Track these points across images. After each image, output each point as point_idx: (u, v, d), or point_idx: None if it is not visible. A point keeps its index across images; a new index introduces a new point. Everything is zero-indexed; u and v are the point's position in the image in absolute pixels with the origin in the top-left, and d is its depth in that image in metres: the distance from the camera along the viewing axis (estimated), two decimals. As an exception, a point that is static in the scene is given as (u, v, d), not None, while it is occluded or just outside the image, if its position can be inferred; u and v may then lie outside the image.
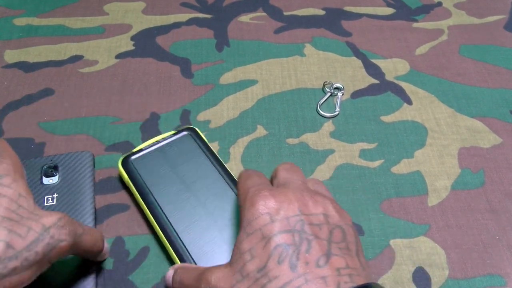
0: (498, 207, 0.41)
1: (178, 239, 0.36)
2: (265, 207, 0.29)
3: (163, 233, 0.37)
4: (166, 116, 0.47)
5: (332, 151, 0.45)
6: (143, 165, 0.41)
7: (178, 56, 0.52)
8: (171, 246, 0.36)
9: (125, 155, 0.41)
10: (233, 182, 0.39)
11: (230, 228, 0.37)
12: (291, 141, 0.45)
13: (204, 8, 0.58)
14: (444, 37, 0.55)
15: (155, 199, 0.38)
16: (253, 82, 0.50)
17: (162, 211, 0.38)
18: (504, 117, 0.48)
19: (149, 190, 0.39)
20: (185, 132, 0.43)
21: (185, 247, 0.36)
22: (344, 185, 0.42)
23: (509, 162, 0.44)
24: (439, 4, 0.59)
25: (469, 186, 0.43)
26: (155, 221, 0.37)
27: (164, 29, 0.55)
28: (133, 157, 0.41)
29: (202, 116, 0.47)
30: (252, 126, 0.46)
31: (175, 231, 0.37)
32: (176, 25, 0.56)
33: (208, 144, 0.42)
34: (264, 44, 0.54)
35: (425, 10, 0.59)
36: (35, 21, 0.56)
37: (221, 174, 0.40)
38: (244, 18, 0.57)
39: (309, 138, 0.46)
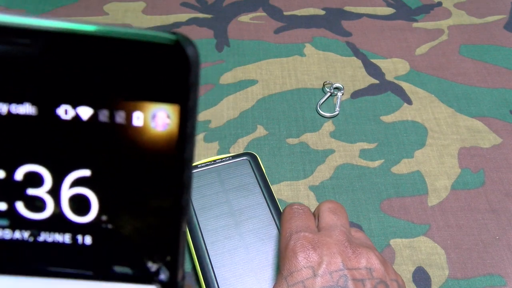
0: (498, 207, 0.41)
1: (212, 273, 0.35)
2: (307, 260, 0.29)
3: (198, 262, 0.35)
4: (166, 116, 0.47)
5: (332, 151, 0.45)
6: (194, 183, 0.39)
7: (178, 56, 0.52)
8: (203, 277, 0.35)
9: None
10: (280, 220, 0.37)
11: (266, 271, 0.35)
12: (291, 141, 0.45)
13: (204, 8, 0.58)
14: (444, 37, 0.55)
15: (198, 222, 0.37)
16: (253, 82, 0.50)
17: (203, 238, 0.36)
18: (504, 117, 0.48)
19: (195, 212, 0.37)
20: (244, 157, 0.41)
21: (216, 282, 0.34)
22: (344, 185, 0.42)
23: (509, 162, 0.44)
24: (439, 4, 0.59)
25: (469, 186, 0.43)
26: (194, 248, 0.36)
27: (164, 29, 0.55)
28: None
29: (202, 116, 0.47)
30: (252, 126, 0.46)
31: (211, 264, 0.35)
32: (176, 25, 0.56)
33: (265, 174, 0.40)
34: (264, 44, 0.54)
35: (425, 10, 0.59)
36: (35, 21, 0.56)
37: (270, 210, 0.38)
38: (244, 18, 0.57)
39: (309, 138, 0.46)
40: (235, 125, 0.46)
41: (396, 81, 0.51)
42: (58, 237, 0.13)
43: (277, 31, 0.55)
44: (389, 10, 0.58)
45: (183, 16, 0.57)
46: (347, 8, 0.58)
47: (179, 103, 0.12)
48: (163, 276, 0.14)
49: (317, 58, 0.53)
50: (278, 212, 0.38)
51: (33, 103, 0.12)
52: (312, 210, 0.40)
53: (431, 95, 0.50)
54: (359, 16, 0.57)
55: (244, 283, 0.34)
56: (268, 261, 0.35)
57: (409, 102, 0.49)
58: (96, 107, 0.13)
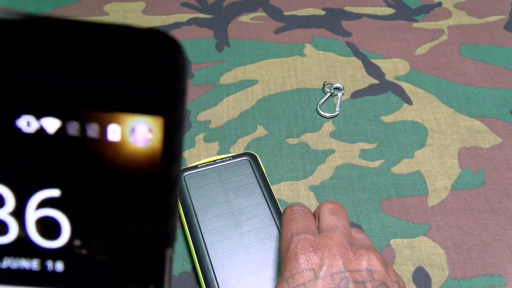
0: (498, 207, 0.41)
1: (212, 273, 0.35)
2: (308, 262, 0.29)
3: (198, 262, 0.35)
4: (166, 116, 0.47)
5: (332, 151, 0.45)
6: (194, 183, 0.39)
7: (178, 56, 0.52)
8: (203, 277, 0.35)
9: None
10: (280, 220, 0.37)
11: (266, 271, 0.35)
12: (291, 141, 0.45)
13: (204, 8, 0.58)
14: (444, 37, 0.55)
15: (199, 224, 0.37)
16: (253, 82, 0.50)
17: (203, 238, 0.36)
18: (504, 117, 0.48)
19: (195, 213, 0.37)
20: (244, 158, 0.41)
21: (217, 282, 0.34)
22: (344, 185, 0.42)
23: (509, 162, 0.44)
24: (439, 4, 0.59)
25: (469, 186, 0.43)
26: (194, 248, 0.36)
27: (164, 29, 0.55)
28: (187, 173, 0.40)
29: (202, 116, 0.47)
30: (252, 126, 0.46)
31: (211, 264, 0.35)
32: (176, 25, 0.56)
33: (265, 174, 0.40)
34: (264, 44, 0.54)
35: (425, 10, 0.59)
36: (35, 21, 0.56)
37: (270, 210, 0.38)
38: (244, 18, 0.57)
39: (309, 138, 0.46)
40: (235, 125, 0.46)
41: (396, 81, 0.51)
42: (24, 263, 0.12)
43: (277, 31, 0.55)
44: (389, 10, 0.58)
45: (183, 16, 0.57)
46: (347, 8, 0.58)
47: (163, 116, 0.11)
48: None
49: (317, 58, 0.53)
50: (278, 212, 0.38)
51: None
52: (312, 210, 0.40)
53: (431, 95, 0.50)
54: (359, 16, 0.57)
55: (244, 283, 0.34)
56: (268, 261, 0.35)
57: (409, 102, 0.49)
58: (64, 118, 0.11)
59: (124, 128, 0.11)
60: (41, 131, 0.11)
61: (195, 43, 0.54)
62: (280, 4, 0.59)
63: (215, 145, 0.45)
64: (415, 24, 0.57)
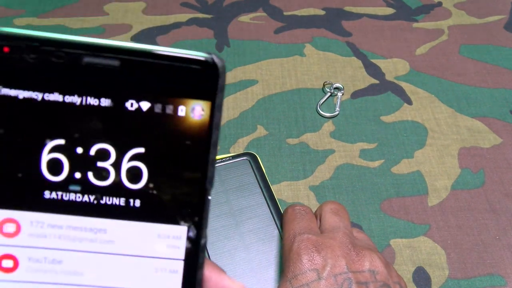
0: (498, 207, 0.41)
1: None
2: (312, 262, 0.29)
3: None
4: (166, 116, 0.47)
5: (332, 151, 0.45)
6: None
7: (178, 56, 0.52)
8: None
9: None
10: (280, 220, 0.37)
11: (266, 271, 0.35)
12: (291, 141, 0.45)
13: (204, 8, 0.58)
14: (444, 37, 0.55)
15: None
16: (253, 82, 0.50)
17: None
18: (504, 117, 0.48)
19: None
20: (244, 158, 0.41)
21: None
22: (344, 185, 0.42)
23: (509, 162, 0.44)
24: (439, 4, 0.59)
25: (469, 186, 0.43)
26: None
27: (164, 29, 0.55)
28: None
29: (202, 116, 0.47)
30: (252, 126, 0.46)
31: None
32: (176, 25, 0.56)
33: (265, 174, 0.40)
34: (264, 44, 0.54)
35: (425, 10, 0.59)
36: (35, 21, 0.56)
37: (270, 210, 0.38)
38: (244, 18, 0.57)
39: (309, 138, 0.46)
40: (235, 125, 0.46)
41: (396, 81, 0.51)
42: (115, 200, 0.17)
43: (277, 31, 0.55)
44: (389, 10, 0.58)
45: (183, 16, 0.57)
46: (347, 8, 0.58)
47: (211, 100, 0.17)
48: (191, 233, 0.18)
49: (317, 58, 0.53)
50: (278, 212, 0.38)
51: (110, 98, 0.17)
52: (313, 210, 0.40)
53: (431, 95, 0.50)
54: (359, 16, 0.57)
55: (244, 283, 0.34)
56: (268, 261, 0.35)
57: (409, 102, 0.49)
58: (153, 102, 0.17)
59: (187, 108, 0.17)
60: (139, 109, 0.17)
61: (195, 43, 0.54)
62: (280, 4, 0.59)
63: (215, 145, 0.45)
64: (415, 24, 0.57)
